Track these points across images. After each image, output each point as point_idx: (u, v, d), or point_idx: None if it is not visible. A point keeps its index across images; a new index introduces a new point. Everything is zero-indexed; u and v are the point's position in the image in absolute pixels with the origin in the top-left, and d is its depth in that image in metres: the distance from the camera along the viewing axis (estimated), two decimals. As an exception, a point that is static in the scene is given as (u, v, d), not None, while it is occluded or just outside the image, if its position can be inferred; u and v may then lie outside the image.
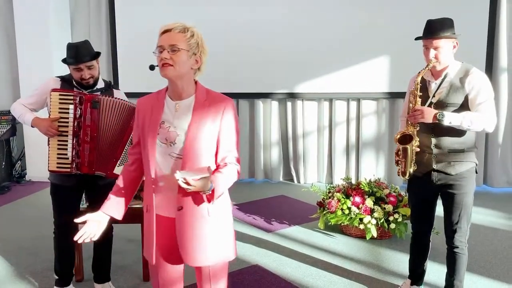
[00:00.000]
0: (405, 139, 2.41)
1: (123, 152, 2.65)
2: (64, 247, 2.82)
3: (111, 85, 2.80)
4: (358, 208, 3.70)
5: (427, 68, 2.38)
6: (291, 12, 5.47)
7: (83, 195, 2.87)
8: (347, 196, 3.83)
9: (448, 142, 2.40)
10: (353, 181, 4.09)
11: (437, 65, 2.39)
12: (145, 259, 2.97)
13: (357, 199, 3.73)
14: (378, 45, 5.36)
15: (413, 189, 2.63)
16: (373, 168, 5.62)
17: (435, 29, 2.36)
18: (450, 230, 2.48)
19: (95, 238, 1.80)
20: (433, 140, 2.43)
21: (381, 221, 3.63)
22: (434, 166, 2.44)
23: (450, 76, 2.40)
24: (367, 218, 3.64)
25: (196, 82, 1.81)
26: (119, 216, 1.87)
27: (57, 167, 2.60)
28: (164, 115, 1.76)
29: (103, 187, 2.69)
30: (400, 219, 3.65)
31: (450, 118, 2.30)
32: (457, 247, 2.48)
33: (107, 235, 2.87)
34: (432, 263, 3.29)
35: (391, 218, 3.64)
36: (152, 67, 1.76)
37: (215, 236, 1.81)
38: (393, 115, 5.56)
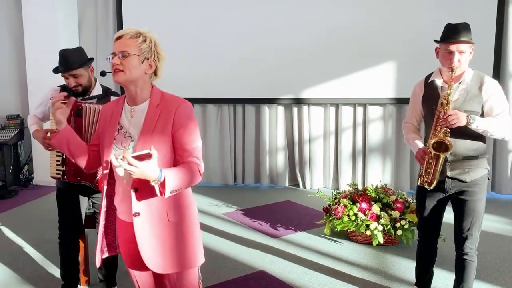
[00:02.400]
0: (440, 146, 2.32)
1: None
2: (68, 251, 2.84)
3: (110, 92, 2.75)
4: (365, 214, 3.68)
5: (453, 73, 2.29)
6: (297, 18, 5.47)
7: (89, 200, 2.88)
8: (354, 202, 3.81)
9: (463, 149, 2.37)
10: (360, 187, 4.07)
11: (457, 71, 2.32)
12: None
13: (364, 205, 3.72)
14: (384, 51, 5.34)
15: (423, 196, 2.56)
16: (380, 174, 5.59)
17: (461, 32, 2.29)
18: (461, 237, 2.45)
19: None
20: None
21: (388, 227, 3.61)
22: (448, 174, 2.39)
23: (466, 82, 2.36)
24: (373, 225, 3.62)
25: (152, 87, 1.81)
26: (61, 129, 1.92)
27: (56, 174, 2.64)
28: (121, 120, 1.80)
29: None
30: (407, 226, 3.62)
31: (477, 122, 2.27)
32: (467, 254, 2.45)
33: None
34: (440, 270, 3.27)
35: (397, 225, 3.62)
36: (103, 73, 1.81)
37: (178, 242, 1.78)
38: (400, 121, 5.52)
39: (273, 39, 5.52)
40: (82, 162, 1.92)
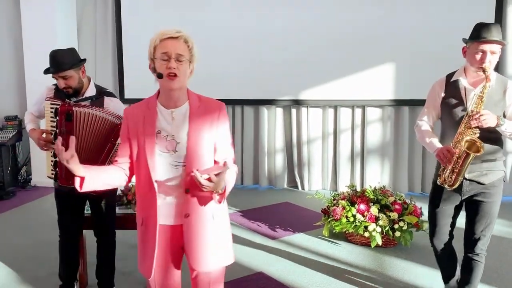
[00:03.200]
0: (471, 146, 2.25)
1: None
2: (67, 251, 2.83)
3: (104, 93, 2.71)
4: (363, 215, 3.68)
5: (485, 73, 2.22)
6: (296, 19, 5.48)
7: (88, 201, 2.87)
8: (352, 203, 3.81)
9: (483, 152, 2.30)
10: (358, 189, 4.08)
11: (487, 72, 2.24)
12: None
13: (362, 206, 3.72)
14: (383, 53, 5.36)
15: (437, 200, 2.50)
16: (378, 175, 5.59)
17: (493, 32, 2.23)
18: (473, 238, 2.43)
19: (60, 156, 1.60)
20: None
21: (386, 229, 3.61)
22: (467, 176, 2.35)
23: (492, 85, 2.29)
24: (372, 226, 3.62)
25: (187, 89, 1.81)
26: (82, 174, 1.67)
27: (52, 174, 2.61)
28: (159, 124, 1.74)
29: (107, 193, 2.69)
30: (405, 227, 3.62)
31: (507, 124, 2.24)
32: (478, 255, 2.44)
33: (109, 239, 2.87)
34: (434, 271, 3.27)
35: (396, 226, 3.62)
36: (160, 75, 1.69)
37: (220, 240, 1.82)
38: (398, 123, 5.54)
39: (271, 41, 5.53)
40: (122, 183, 1.82)
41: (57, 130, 2.47)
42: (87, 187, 1.68)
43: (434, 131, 2.54)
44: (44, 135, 2.58)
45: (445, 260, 2.67)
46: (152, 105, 1.77)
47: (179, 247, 1.81)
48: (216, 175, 1.59)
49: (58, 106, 2.47)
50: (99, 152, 2.52)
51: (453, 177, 2.32)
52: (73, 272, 2.88)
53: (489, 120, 2.20)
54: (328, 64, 5.48)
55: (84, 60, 2.66)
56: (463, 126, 2.30)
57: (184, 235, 1.75)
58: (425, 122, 2.53)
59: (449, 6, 5.11)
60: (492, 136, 2.32)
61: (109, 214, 2.83)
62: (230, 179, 1.71)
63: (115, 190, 2.84)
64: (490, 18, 5.06)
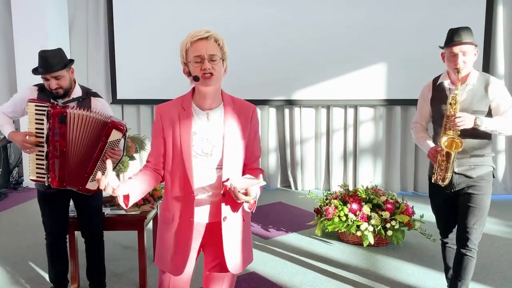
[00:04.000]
0: (452, 145, 2.39)
1: (95, 167, 2.52)
2: (55, 254, 2.81)
3: (90, 93, 2.69)
4: (355, 215, 3.70)
5: (459, 74, 2.36)
6: (288, 19, 5.49)
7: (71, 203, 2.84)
8: (344, 203, 3.82)
9: (470, 147, 2.44)
10: (351, 188, 4.09)
11: (463, 71, 2.38)
12: (142, 266, 2.99)
13: (354, 206, 3.73)
14: (375, 53, 5.38)
15: (433, 195, 2.67)
16: (371, 175, 5.62)
17: (462, 35, 2.38)
18: (465, 232, 2.48)
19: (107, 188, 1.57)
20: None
21: (378, 228, 3.62)
22: (456, 170, 2.46)
23: (472, 83, 2.43)
24: (364, 225, 3.63)
25: (221, 91, 1.79)
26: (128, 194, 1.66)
27: (37, 177, 2.57)
28: (195, 125, 1.72)
29: (90, 197, 2.67)
30: (397, 226, 3.64)
31: (486, 123, 2.34)
32: (470, 251, 2.48)
33: (96, 240, 2.85)
34: (430, 270, 3.29)
35: (388, 225, 3.64)
36: (197, 78, 1.67)
37: (249, 240, 1.87)
38: (390, 122, 5.57)
39: (264, 41, 5.54)
40: (156, 184, 1.81)
41: (49, 133, 2.45)
42: (132, 202, 1.67)
43: (428, 131, 2.71)
44: (28, 138, 2.51)
45: (445, 255, 2.72)
46: (187, 105, 1.74)
47: (199, 246, 1.82)
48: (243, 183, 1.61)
49: (48, 108, 2.45)
50: (91, 151, 2.51)
51: (442, 174, 2.46)
52: (63, 274, 2.87)
53: (464, 122, 2.32)
54: (320, 64, 5.50)
55: (73, 60, 2.65)
56: (444, 126, 2.42)
57: (223, 237, 1.75)
58: (419, 124, 2.71)
59: (441, 6, 5.15)
60: (479, 132, 2.41)
61: (95, 215, 2.81)
62: (259, 189, 1.70)
63: (100, 190, 2.81)
64: (480, 18, 5.11)
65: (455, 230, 2.63)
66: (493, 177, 2.52)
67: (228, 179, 1.67)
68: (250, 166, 1.79)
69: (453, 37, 2.41)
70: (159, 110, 1.77)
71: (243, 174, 1.77)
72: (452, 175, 2.46)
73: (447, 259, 2.74)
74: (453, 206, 2.59)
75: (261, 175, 1.69)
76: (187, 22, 5.55)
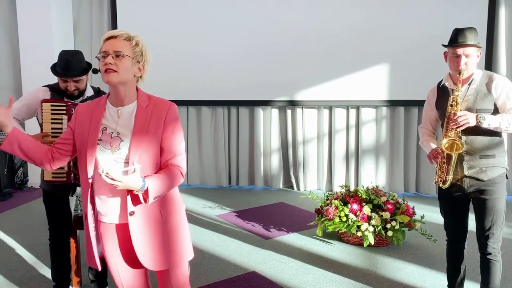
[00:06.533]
0: (452, 147, 2.37)
1: None
2: (59, 254, 2.85)
3: (100, 91, 2.81)
4: (356, 215, 3.71)
5: (461, 76, 2.36)
6: (291, 20, 5.51)
7: (76, 201, 2.89)
8: (345, 203, 3.84)
9: (480, 147, 2.40)
10: (353, 189, 4.10)
11: (464, 73, 2.38)
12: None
13: (355, 206, 3.74)
14: (377, 53, 5.39)
15: (444, 197, 2.60)
16: (373, 175, 5.62)
17: (466, 36, 2.36)
18: (483, 236, 2.46)
19: None
20: (465, 146, 2.41)
21: (379, 228, 3.63)
22: (466, 173, 2.42)
23: (476, 82, 2.42)
24: (364, 226, 3.64)
25: (137, 89, 1.84)
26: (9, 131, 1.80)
27: (53, 177, 2.59)
28: (106, 121, 1.79)
29: None
30: (397, 227, 3.65)
31: (489, 120, 2.31)
32: (490, 254, 2.46)
33: None
34: (429, 271, 3.30)
35: (388, 226, 3.65)
36: (95, 71, 1.79)
37: (172, 238, 1.83)
38: (393, 123, 5.57)
39: (267, 42, 5.56)
40: (38, 161, 1.85)
41: None
42: (7, 146, 1.78)
43: (435, 135, 2.69)
44: (44, 139, 2.53)
45: (450, 256, 2.71)
46: (102, 103, 1.83)
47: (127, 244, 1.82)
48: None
49: (65, 107, 2.52)
50: None
51: (444, 176, 2.43)
52: (65, 273, 2.90)
53: (466, 120, 2.30)
54: (323, 65, 5.51)
55: (91, 65, 2.71)
56: (445, 128, 2.41)
57: (131, 232, 1.77)
58: (424, 128, 2.70)
59: (443, 7, 5.15)
60: (487, 131, 2.36)
61: None
62: (156, 181, 1.71)
63: None
64: (483, 19, 5.10)
65: (463, 232, 2.61)
66: (507, 178, 2.47)
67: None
68: (167, 163, 1.79)
69: (457, 37, 2.38)
70: (77, 108, 1.89)
71: (157, 171, 1.79)
72: (463, 178, 2.43)
73: (451, 261, 2.72)
74: (463, 209, 2.55)
75: (135, 163, 1.68)
76: (190, 24, 5.59)
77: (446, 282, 2.79)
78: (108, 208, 1.80)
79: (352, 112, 5.63)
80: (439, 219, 2.71)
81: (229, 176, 6.03)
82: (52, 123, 2.56)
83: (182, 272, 1.91)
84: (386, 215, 3.68)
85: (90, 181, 1.78)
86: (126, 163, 1.74)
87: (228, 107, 5.86)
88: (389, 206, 3.74)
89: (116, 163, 1.75)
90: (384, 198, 3.82)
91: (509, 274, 3.24)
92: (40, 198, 4.98)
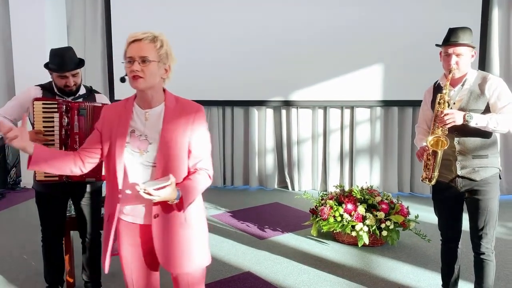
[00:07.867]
0: (437, 144, 2.40)
1: None
2: (52, 255, 2.83)
3: (92, 90, 2.80)
4: (350, 215, 3.71)
5: (451, 74, 2.38)
6: (286, 21, 5.51)
7: (69, 202, 2.86)
8: (340, 203, 3.84)
9: (472, 147, 2.41)
10: (347, 189, 4.11)
11: (456, 73, 2.40)
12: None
13: (349, 206, 3.75)
14: (371, 54, 5.40)
15: (438, 197, 2.62)
16: (368, 175, 5.64)
17: (458, 36, 2.38)
18: (476, 236, 2.48)
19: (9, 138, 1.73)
20: (457, 147, 2.43)
21: (373, 228, 3.64)
22: (459, 173, 2.44)
23: (469, 83, 2.43)
24: (359, 225, 3.65)
25: (164, 90, 1.81)
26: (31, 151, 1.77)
27: (45, 177, 2.57)
28: (134, 123, 1.76)
29: (91, 194, 2.72)
30: (392, 226, 3.66)
31: (476, 119, 2.31)
32: (484, 254, 2.47)
33: (94, 240, 2.87)
34: (424, 270, 3.31)
35: (383, 226, 3.65)
36: (123, 79, 1.75)
37: (193, 242, 1.82)
38: (387, 123, 5.59)
39: (261, 42, 5.56)
40: (68, 170, 1.82)
41: (68, 127, 2.51)
42: (34, 166, 1.76)
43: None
44: (37, 135, 2.51)
45: (444, 256, 2.72)
46: (129, 105, 1.80)
47: (153, 248, 1.80)
48: (158, 189, 1.59)
49: (65, 104, 2.52)
50: None
51: (429, 173, 2.46)
52: (58, 274, 2.88)
53: (453, 119, 2.32)
54: (317, 65, 5.51)
55: (83, 60, 2.72)
56: (433, 126, 2.43)
57: (153, 236, 1.76)
58: (420, 127, 2.72)
59: (437, 8, 5.17)
60: (481, 132, 2.37)
61: (93, 215, 2.82)
62: (189, 189, 1.70)
63: (100, 190, 2.84)
64: (476, 20, 5.13)
65: (457, 232, 2.62)
66: (500, 178, 2.48)
67: (137, 184, 1.66)
68: (194, 167, 1.78)
69: (449, 37, 2.41)
70: (104, 110, 1.86)
71: (188, 174, 1.77)
72: (456, 178, 2.45)
73: (445, 261, 2.73)
74: (457, 209, 2.57)
75: (171, 176, 1.64)
76: (184, 25, 5.57)
77: (440, 282, 2.81)
78: (135, 210, 1.78)
79: (347, 112, 5.64)
80: (433, 219, 2.72)
81: (224, 176, 6.02)
82: (44, 121, 2.53)
83: (199, 277, 1.90)
84: (381, 215, 3.69)
85: (120, 185, 1.74)
86: (154, 166, 1.72)
87: (222, 107, 5.86)
88: (384, 206, 3.75)
89: (144, 167, 1.73)
90: (378, 198, 3.83)
91: (503, 273, 3.25)
92: (33, 198, 4.94)
